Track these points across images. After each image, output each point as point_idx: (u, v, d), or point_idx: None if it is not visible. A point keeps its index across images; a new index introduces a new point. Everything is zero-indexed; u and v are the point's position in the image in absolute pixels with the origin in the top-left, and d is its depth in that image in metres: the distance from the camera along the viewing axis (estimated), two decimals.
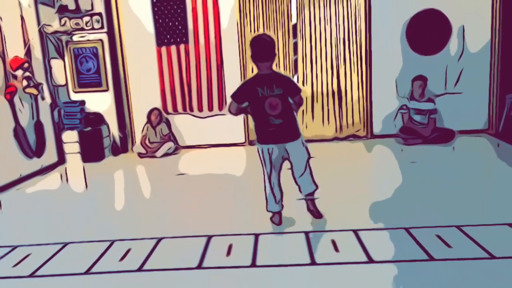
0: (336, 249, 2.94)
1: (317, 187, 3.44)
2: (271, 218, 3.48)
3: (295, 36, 6.53)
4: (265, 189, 3.43)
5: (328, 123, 6.69)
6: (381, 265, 2.69)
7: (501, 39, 6.13)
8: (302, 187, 3.43)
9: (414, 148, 5.89)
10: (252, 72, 6.54)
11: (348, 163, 5.49)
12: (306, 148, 3.37)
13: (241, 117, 6.64)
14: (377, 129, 6.62)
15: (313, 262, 2.78)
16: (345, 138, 6.69)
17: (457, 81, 6.37)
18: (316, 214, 3.47)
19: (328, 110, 6.67)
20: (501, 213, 3.37)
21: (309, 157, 3.38)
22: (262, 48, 3.18)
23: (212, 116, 6.73)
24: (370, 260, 2.74)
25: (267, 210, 3.45)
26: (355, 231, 3.17)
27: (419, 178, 4.56)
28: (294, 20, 6.49)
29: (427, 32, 6.23)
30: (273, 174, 3.35)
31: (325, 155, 5.73)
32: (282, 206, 3.46)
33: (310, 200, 3.46)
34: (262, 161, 3.36)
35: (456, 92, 6.37)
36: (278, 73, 3.33)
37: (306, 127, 6.60)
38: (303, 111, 6.60)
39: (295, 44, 6.54)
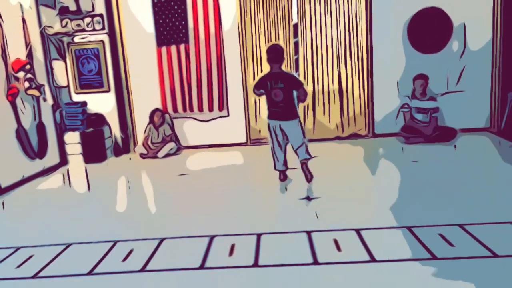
0: (339, 248, 2.94)
1: (311, 156, 4.42)
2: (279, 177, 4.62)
3: (296, 35, 6.53)
4: (272, 155, 4.54)
5: (330, 123, 6.69)
6: (384, 264, 2.69)
7: (503, 37, 6.11)
8: (299, 156, 4.43)
9: (416, 147, 5.87)
10: (253, 71, 6.62)
11: (350, 162, 5.48)
12: (302, 128, 4.40)
13: (242, 117, 6.68)
14: (378, 128, 6.61)
15: (315, 262, 2.78)
16: (347, 137, 6.68)
17: (459, 79, 6.36)
18: (308, 175, 4.39)
19: (330, 109, 6.67)
20: (503, 212, 3.37)
21: (304, 135, 4.42)
22: (274, 54, 4.27)
23: (215, 118, 6.73)
24: (373, 260, 2.74)
25: (274, 169, 4.57)
26: (357, 230, 3.17)
27: (421, 177, 4.56)
28: (295, 20, 6.49)
29: (429, 30, 6.22)
30: (275, 142, 4.45)
31: (327, 154, 5.73)
32: (287, 167, 4.56)
33: (304, 163, 4.41)
34: (269, 132, 4.48)
35: (458, 90, 6.37)
36: (285, 72, 4.38)
37: (308, 126, 6.60)
38: (304, 110, 6.61)
39: (296, 44, 6.54)
